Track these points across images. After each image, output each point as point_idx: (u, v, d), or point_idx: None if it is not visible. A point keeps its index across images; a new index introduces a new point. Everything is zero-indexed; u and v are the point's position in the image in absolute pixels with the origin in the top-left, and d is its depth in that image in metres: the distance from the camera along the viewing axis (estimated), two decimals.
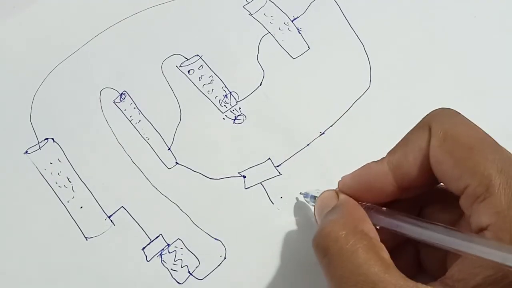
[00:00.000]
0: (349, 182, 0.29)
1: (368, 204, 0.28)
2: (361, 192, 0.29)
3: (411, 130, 0.28)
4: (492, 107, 0.38)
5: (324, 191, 0.30)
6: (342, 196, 0.29)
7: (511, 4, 0.41)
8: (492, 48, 0.40)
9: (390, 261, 0.24)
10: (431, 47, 0.40)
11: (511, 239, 0.23)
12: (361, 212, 0.27)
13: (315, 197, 0.31)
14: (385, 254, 0.25)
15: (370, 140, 0.36)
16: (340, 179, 0.30)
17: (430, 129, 0.27)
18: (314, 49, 0.39)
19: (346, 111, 0.37)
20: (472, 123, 0.27)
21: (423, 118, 0.28)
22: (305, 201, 0.34)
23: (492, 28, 0.40)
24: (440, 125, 0.26)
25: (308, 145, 0.36)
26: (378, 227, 0.27)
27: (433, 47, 0.40)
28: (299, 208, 0.34)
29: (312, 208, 0.32)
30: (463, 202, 0.25)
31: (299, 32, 0.40)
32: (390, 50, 0.39)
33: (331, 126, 0.37)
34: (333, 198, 0.29)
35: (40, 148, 0.36)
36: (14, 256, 0.33)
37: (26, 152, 0.36)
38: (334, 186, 0.30)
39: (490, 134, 0.26)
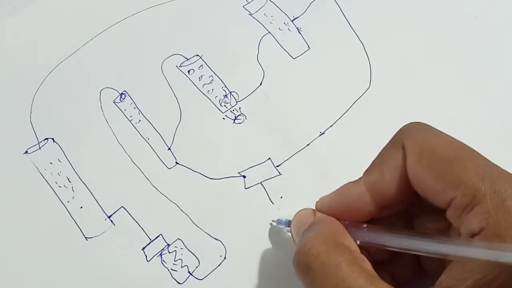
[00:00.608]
0: (327, 203, 0.29)
1: (346, 222, 0.28)
2: (339, 212, 0.28)
3: (383, 149, 0.28)
4: (492, 107, 0.38)
5: (300, 210, 0.30)
6: (318, 213, 0.29)
7: (511, 4, 0.41)
8: (492, 48, 0.40)
9: (374, 272, 0.24)
10: (431, 47, 0.40)
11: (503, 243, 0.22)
12: (339, 226, 0.27)
13: (289, 221, 0.31)
14: (368, 266, 0.25)
15: (370, 140, 0.36)
16: (318, 199, 0.30)
17: (403, 147, 0.26)
18: (314, 49, 0.39)
19: (346, 111, 0.37)
20: (445, 134, 0.26)
21: (394, 135, 0.28)
22: (278, 227, 0.33)
23: (492, 28, 0.40)
24: (414, 141, 0.26)
25: (308, 145, 0.36)
26: (358, 242, 0.27)
27: (433, 47, 0.40)
28: (299, 208, 0.34)
29: (287, 233, 0.32)
30: (450, 214, 0.25)
31: (299, 32, 0.40)
32: (390, 50, 0.39)
33: (331, 126, 0.37)
34: (310, 216, 0.29)
35: (40, 148, 0.36)
36: (14, 256, 0.33)
37: (26, 152, 0.36)
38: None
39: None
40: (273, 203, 0.35)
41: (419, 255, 0.30)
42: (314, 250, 0.25)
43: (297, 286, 0.33)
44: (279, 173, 0.35)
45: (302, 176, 0.35)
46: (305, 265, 0.25)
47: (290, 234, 0.31)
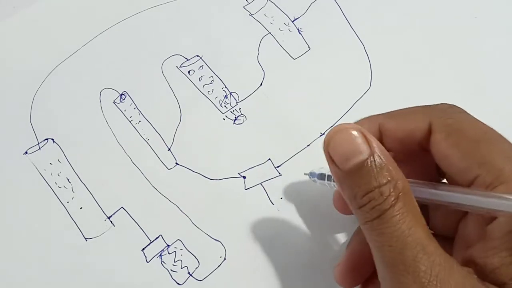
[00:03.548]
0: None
1: None
2: None
3: (411, 111, 0.29)
4: (493, 107, 0.38)
5: (349, 130, 0.25)
6: (373, 142, 0.24)
7: (511, 4, 0.41)
8: (493, 48, 0.40)
9: (429, 229, 0.24)
10: (431, 47, 0.39)
11: None
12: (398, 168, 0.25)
13: (321, 174, 0.31)
14: (425, 221, 0.24)
15: None
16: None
17: (430, 122, 0.27)
18: (315, 50, 0.39)
19: (347, 111, 0.37)
20: (476, 119, 0.27)
21: (425, 107, 0.28)
22: (312, 181, 0.33)
23: (493, 28, 0.40)
24: (444, 120, 0.27)
25: (308, 145, 0.36)
26: None
27: (434, 47, 0.39)
28: (299, 209, 0.34)
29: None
30: None
31: (300, 33, 0.40)
32: (390, 50, 0.39)
33: (331, 126, 0.37)
34: (363, 144, 0.24)
35: (40, 148, 0.36)
36: (14, 257, 0.33)
37: (26, 152, 0.36)
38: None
39: None
40: (273, 204, 0.35)
41: (430, 216, 0.30)
42: (391, 200, 0.23)
43: (297, 286, 0.33)
44: (279, 173, 0.35)
45: (302, 177, 0.35)
46: (382, 210, 0.24)
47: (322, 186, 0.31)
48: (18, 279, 0.33)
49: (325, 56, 0.39)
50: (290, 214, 0.34)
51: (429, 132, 0.27)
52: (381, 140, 0.29)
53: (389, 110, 0.37)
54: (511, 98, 0.38)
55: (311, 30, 0.40)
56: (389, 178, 0.24)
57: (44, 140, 0.36)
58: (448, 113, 0.27)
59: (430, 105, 0.28)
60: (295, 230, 0.34)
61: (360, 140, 0.24)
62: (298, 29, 0.40)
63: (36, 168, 0.35)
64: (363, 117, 0.30)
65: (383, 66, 0.39)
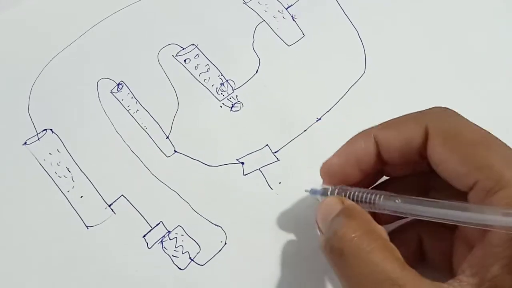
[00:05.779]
0: (335, 160, 0.30)
1: (378, 192, 0.28)
2: (348, 166, 0.29)
3: (405, 119, 0.28)
4: (485, 90, 0.38)
5: (327, 198, 0.29)
6: (347, 201, 0.28)
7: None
8: (487, 31, 0.40)
9: (403, 260, 0.25)
10: (425, 32, 0.40)
11: None
12: (369, 216, 0.27)
13: (323, 189, 0.31)
14: (398, 254, 0.25)
15: (366, 124, 0.36)
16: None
17: (427, 128, 0.27)
18: (309, 36, 0.40)
19: (342, 96, 0.38)
20: (471, 122, 0.27)
21: (418, 114, 0.28)
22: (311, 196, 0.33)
23: (489, 9, 0.41)
24: (440, 124, 0.26)
25: (305, 130, 0.37)
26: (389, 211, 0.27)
27: (428, 32, 0.40)
28: (297, 193, 0.35)
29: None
30: (472, 197, 0.25)
31: (294, 20, 0.40)
32: (384, 35, 0.40)
33: (327, 111, 0.37)
34: (338, 204, 0.28)
35: (39, 139, 0.36)
36: (15, 247, 0.33)
37: (25, 143, 0.36)
38: None
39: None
40: (271, 189, 0.35)
41: (424, 244, 0.30)
42: (348, 236, 0.25)
43: (296, 270, 0.33)
44: (277, 159, 0.36)
45: (299, 162, 0.36)
46: (339, 249, 0.25)
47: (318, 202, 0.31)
48: (19, 269, 0.33)
49: (320, 42, 0.39)
50: (288, 198, 0.35)
51: (426, 138, 0.27)
52: (378, 152, 0.28)
53: (383, 95, 0.38)
54: (510, 96, 0.38)
55: (305, 17, 0.40)
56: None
57: (43, 131, 0.36)
58: (443, 117, 0.27)
59: (423, 110, 0.28)
60: (294, 214, 0.34)
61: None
62: (292, 16, 0.40)
63: (36, 159, 0.36)
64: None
65: (377, 51, 0.39)
